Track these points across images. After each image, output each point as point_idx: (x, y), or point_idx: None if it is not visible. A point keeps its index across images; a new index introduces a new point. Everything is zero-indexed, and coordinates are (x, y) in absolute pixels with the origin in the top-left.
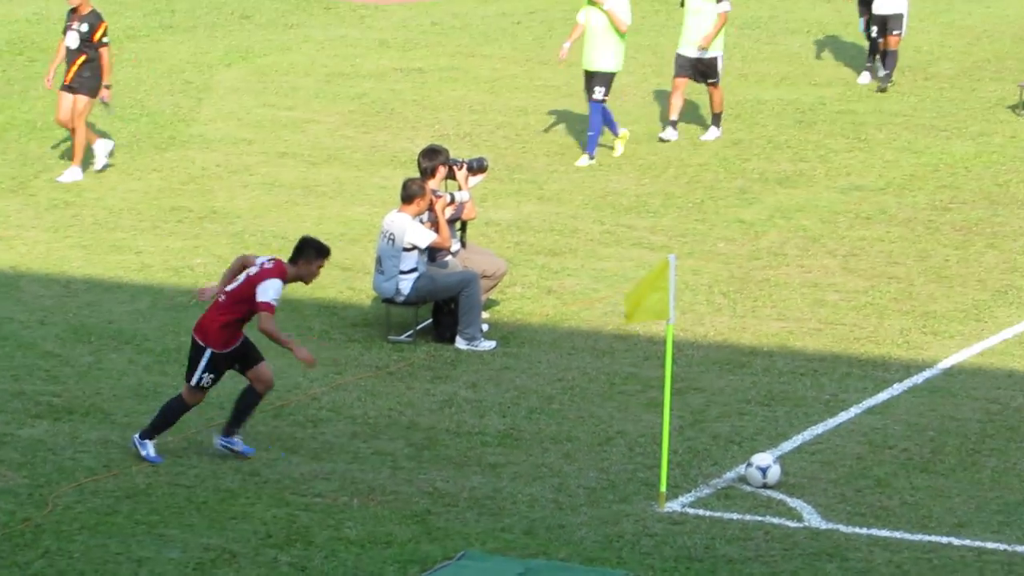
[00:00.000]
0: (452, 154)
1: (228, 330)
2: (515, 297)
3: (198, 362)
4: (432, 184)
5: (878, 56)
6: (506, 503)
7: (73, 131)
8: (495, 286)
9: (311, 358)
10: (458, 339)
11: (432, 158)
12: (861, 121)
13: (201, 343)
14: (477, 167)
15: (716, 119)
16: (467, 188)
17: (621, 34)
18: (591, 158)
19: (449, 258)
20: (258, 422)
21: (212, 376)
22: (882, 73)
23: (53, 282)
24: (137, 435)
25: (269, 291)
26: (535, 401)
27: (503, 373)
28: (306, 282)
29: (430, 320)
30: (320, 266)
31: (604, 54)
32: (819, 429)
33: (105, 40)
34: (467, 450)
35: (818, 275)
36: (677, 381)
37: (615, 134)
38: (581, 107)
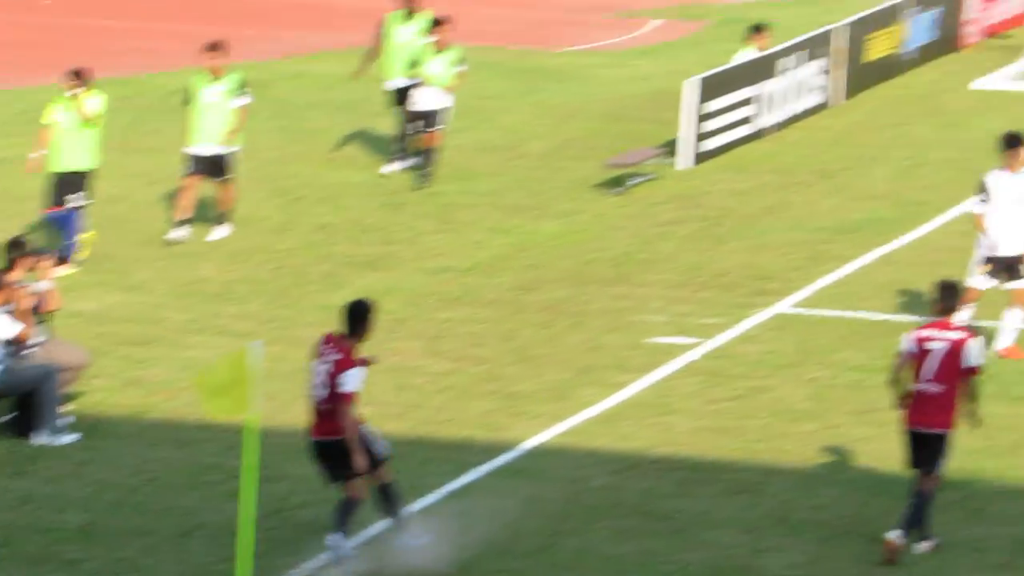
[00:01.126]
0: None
1: None
2: (99, 389)
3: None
4: (15, 275)
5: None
6: None
7: None
8: (76, 378)
9: None
10: (37, 434)
11: (14, 250)
12: (450, 202)
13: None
14: (61, 258)
15: (222, 217)
16: (50, 278)
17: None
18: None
19: (35, 350)
20: None
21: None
22: (423, 171)
23: None
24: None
25: None
26: (117, 494)
27: (84, 467)
28: None
29: (14, 414)
30: None
31: (78, 152)
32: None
33: None
34: (45, 547)
35: (403, 358)
36: (263, 469)
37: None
38: (169, 194)
